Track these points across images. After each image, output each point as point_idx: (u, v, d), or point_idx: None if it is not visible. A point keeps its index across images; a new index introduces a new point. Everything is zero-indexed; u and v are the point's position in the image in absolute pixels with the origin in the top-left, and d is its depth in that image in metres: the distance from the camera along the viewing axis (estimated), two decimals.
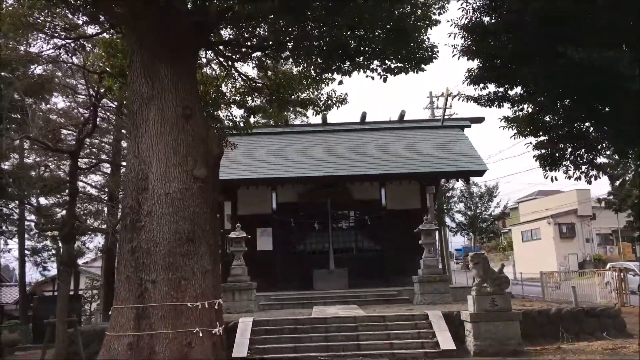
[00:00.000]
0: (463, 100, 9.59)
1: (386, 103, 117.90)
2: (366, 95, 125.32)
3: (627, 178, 17.62)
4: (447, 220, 27.26)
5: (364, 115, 21.37)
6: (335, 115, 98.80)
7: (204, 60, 11.31)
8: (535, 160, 9.92)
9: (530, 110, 9.95)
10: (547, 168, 9.79)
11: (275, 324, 12.08)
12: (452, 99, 23.35)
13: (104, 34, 10.48)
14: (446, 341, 10.96)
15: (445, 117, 21.54)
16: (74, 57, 11.67)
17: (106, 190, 21.34)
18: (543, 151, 9.84)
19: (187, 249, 7.02)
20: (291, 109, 11.88)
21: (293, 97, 11.44)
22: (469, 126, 21.16)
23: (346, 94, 11.18)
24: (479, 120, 21.36)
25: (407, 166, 18.59)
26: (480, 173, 18.14)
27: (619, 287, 19.68)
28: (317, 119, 33.07)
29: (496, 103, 9.41)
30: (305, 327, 11.82)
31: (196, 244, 7.10)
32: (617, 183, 18.17)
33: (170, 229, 6.99)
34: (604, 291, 20.17)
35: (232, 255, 16.12)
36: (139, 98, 7.30)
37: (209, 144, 7.59)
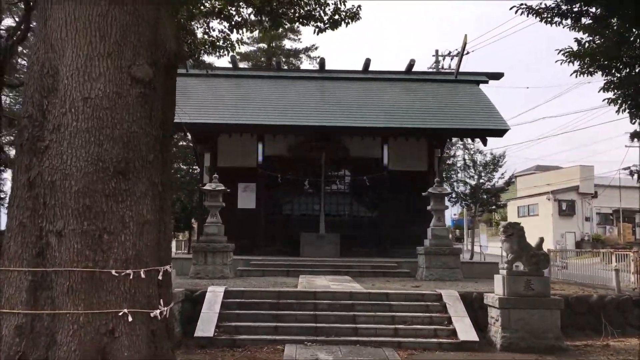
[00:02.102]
0: (522, 12, 7.10)
1: (391, 56, 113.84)
2: (371, 43, 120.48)
3: None
4: (448, 189, 24.85)
5: (367, 63, 18.74)
6: (334, 62, 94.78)
7: None
8: (609, 104, 7.52)
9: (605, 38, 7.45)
10: (631, 112, 7.40)
11: (253, 297, 9.75)
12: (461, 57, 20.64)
13: None
14: (466, 330, 8.71)
15: (459, 71, 18.92)
16: None
17: None
18: (619, 92, 7.40)
19: (114, 187, 4.55)
20: (287, 26, 9.17)
21: (291, 10, 8.78)
22: (486, 82, 18.66)
23: (359, 6, 8.60)
24: (498, 75, 18.86)
25: (414, 121, 16.13)
26: (500, 132, 15.72)
27: None
28: (313, 66, 30.40)
29: (570, 18, 6.92)
30: (289, 303, 9.51)
31: (131, 179, 4.62)
32: None
33: (90, 153, 4.50)
34: (621, 274, 18.21)
35: (207, 211, 13.69)
36: None
37: (159, 32, 5.01)
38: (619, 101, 7.41)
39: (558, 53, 8.01)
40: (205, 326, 8.62)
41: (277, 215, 17.65)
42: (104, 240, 4.46)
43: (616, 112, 7.43)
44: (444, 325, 8.97)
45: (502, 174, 29.98)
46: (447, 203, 26.90)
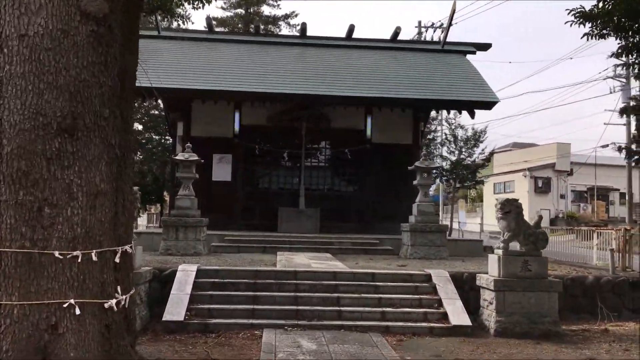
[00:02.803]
0: None
1: (375, 27, 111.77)
2: (353, 14, 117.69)
3: None
4: (436, 162, 24.40)
5: (351, 29, 17.79)
6: (317, 28, 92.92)
7: None
8: (625, 68, 6.86)
9: None
10: None
11: (228, 276, 8.97)
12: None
13: None
14: (458, 314, 8.11)
15: (446, 40, 18.10)
16: None
17: None
18: (638, 55, 6.72)
19: (59, 148, 3.68)
20: None
21: None
22: (474, 52, 17.91)
23: None
24: (485, 46, 18.12)
25: (400, 91, 15.32)
26: (488, 105, 15.05)
27: (623, 249, 17.41)
28: (292, 34, 29.10)
29: None
30: (268, 283, 8.76)
31: (80, 140, 3.75)
32: None
33: (27, 105, 3.61)
34: (601, 252, 17.95)
35: (180, 183, 12.77)
36: None
37: None
38: (637, 65, 6.76)
39: (568, 13, 7.28)
40: (175, 309, 7.82)
41: (254, 189, 16.82)
42: (44, 215, 3.60)
43: (635, 77, 6.80)
44: (434, 309, 8.35)
45: (483, 150, 29.68)
46: None
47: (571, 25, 7.38)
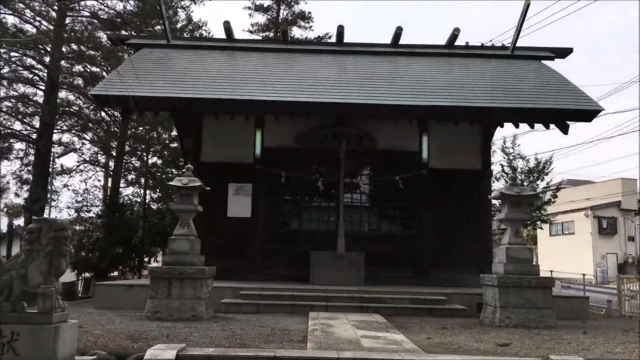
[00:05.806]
0: None
1: (422, 34, 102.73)
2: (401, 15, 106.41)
3: None
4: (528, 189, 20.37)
5: (398, 33, 14.57)
6: (355, 34, 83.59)
7: None
8: None
9: None
10: None
11: None
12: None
13: None
14: None
15: (516, 45, 14.64)
16: None
17: None
18: None
19: None
20: None
21: None
22: (552, 59, 14.39)
23: None
24: (565, 51, 14.61)
25: (465, 100, 11.85)
26: (588, 115, 11.35)
27: None
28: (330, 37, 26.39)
29: None
30: None
31: None
32: None
33: None
34: None
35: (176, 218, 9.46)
36: None
37: None
38: None
39: None
40: None
41: (279, 227, 13.38)
42: None
43: None
44: None
45: (548, 183, 25.74)
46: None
47: None
